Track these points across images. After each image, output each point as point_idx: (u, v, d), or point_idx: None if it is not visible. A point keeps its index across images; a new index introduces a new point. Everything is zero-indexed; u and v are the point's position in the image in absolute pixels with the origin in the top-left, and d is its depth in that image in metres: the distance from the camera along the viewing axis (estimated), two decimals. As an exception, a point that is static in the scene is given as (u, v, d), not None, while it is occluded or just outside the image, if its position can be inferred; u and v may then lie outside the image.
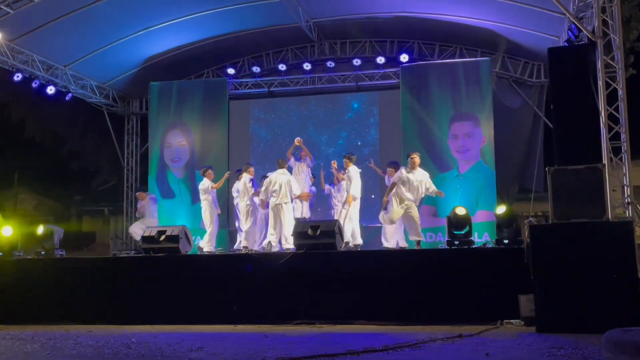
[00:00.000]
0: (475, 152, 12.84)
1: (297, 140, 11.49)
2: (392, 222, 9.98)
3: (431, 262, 8.38)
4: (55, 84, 13.54)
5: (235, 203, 11.77)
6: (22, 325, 8.60)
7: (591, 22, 9.28)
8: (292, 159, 11.54)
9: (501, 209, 8.78)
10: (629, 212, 8.41)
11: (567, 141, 7.52)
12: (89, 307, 8.97)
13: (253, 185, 11.30)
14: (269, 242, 10.40)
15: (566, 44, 10.18)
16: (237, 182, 11.62)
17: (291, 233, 9.64)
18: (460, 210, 8.78)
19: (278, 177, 10.60)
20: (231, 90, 14.68)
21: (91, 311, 8.92)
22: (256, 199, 11.23)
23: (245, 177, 11.35)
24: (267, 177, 10.88)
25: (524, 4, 11.15)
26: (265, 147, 14.46)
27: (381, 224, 10.54)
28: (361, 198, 10.81)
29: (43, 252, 9.96)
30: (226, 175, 12.07)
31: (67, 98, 14.12)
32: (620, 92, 8.73)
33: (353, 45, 14.53)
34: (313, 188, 11.83)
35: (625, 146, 8.61)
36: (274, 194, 10.48)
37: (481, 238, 11.71)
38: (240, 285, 8.67)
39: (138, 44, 13.43)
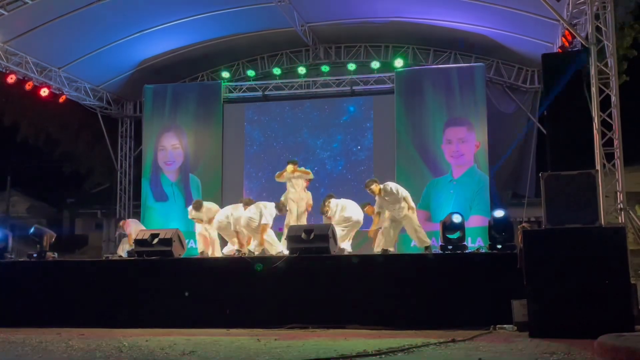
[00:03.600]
0: (469, 157, 12.87)
1: (291, 169, 11.13)
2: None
3: (424, 267, 8.38)
4: (48, 86, 13.49)
5: None
6: (13, 328, 8.54)
7: (585, 29, 9.33)
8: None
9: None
10: (621, 218, 8.44)
11: (560, 147, 7.55)
12: (81, 310, 8.93)
13: None
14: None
15: (560, 50, 10.23)
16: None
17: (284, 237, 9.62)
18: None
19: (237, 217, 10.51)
20: (226, 93, 14.67)
21: (83, 314, 8.87)
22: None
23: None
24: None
25: (518, 10, 11.19)
26: (259, 149, 14.46)
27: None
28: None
29: (35, 255, 9.91)
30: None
31: (60, 100, 14.07)
32: (613, 98, 8.77)
33: (348, 50, 14.55)
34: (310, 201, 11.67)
35: (618, 152, 8.65)
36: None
37: (474, 243, 11.73)
38: (233, 288, 8.65)
39: (132, 47, 13.41)
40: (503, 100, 13.95)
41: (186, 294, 8.71)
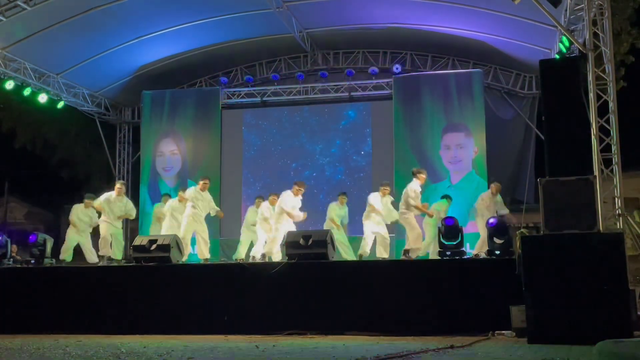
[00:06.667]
0: (467, 163, 12.90)
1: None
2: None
3: (423, 273, 8.36)
4: (47, 92, 13.50)
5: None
6: (11, 335, 8.51)
7: (582, 35, 9.35)
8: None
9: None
10: (619, 224, 8.44)
11: (558, 153, 7.55)
12: (78, 317, 8.89)
13: None
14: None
15: (557, 56, 10.25)
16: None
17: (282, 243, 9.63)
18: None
19: None
20: (224, 99, 14.68)
21: (81, 321, 8.84)
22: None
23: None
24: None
25: (516, 17, 11.23)
26: (257, 153, 14.47)
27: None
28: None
29: (33, 261, 9.89)
30: None
31: (58, 106, 14.08)
32: (611, 104, 8.79)
33: (346, 56, 14.60)
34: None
35: (616, 158, 8.65)
36: None
37: (472, 249, 11.72)
38: (231, 295, 8.62)
39: (131, 53, 13.43)
40: (501, 106, 13.99)
41: (184, 300, 8.70)
